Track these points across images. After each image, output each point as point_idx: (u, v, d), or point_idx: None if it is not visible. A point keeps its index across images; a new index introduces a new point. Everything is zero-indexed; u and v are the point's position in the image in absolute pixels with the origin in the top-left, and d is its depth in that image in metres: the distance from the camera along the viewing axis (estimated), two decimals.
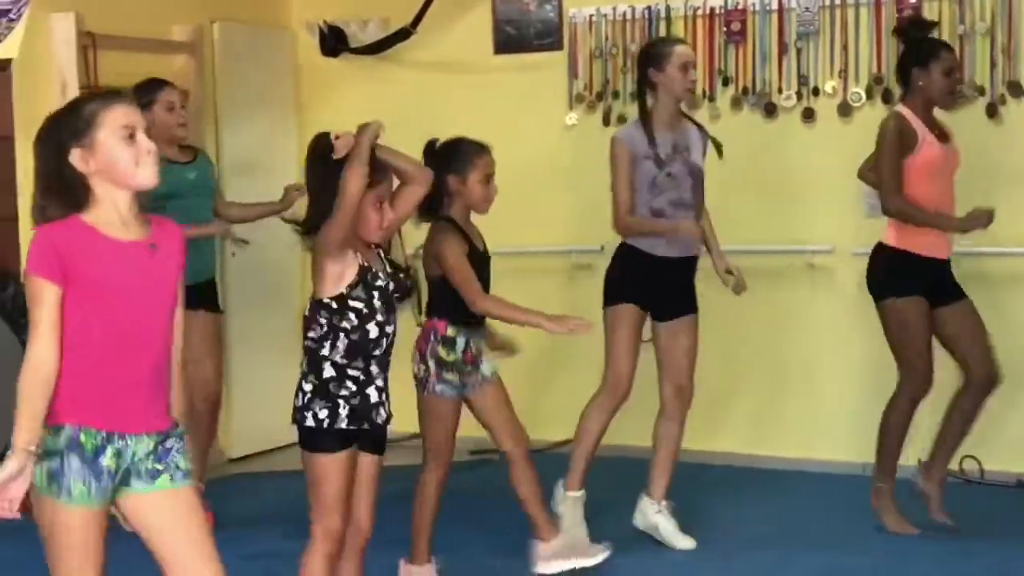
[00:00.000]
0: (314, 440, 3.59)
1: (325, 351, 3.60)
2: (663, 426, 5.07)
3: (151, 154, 2.89)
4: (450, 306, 4.33)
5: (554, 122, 6.56)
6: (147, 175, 2.89)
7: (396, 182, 3.77)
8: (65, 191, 2.86)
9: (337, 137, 3.61)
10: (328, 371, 3.59)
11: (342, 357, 3.59)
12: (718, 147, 5.02)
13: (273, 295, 6.70)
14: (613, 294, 4.95)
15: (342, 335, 3.59)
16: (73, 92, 5.64)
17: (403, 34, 6.71)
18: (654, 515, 5.03)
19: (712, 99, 6.28)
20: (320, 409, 3.57)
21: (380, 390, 3.65)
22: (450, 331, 4.34)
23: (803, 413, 6.24)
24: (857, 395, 6.03)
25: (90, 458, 2.84)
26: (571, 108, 6.54)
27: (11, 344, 5.58)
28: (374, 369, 3.63)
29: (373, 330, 3.61)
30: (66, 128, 2.86)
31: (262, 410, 6.43)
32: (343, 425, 3.57)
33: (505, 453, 4.52)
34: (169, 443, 2.96)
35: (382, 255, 3.72)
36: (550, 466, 4.98)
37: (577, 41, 6.52)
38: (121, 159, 2.86)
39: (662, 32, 6.32)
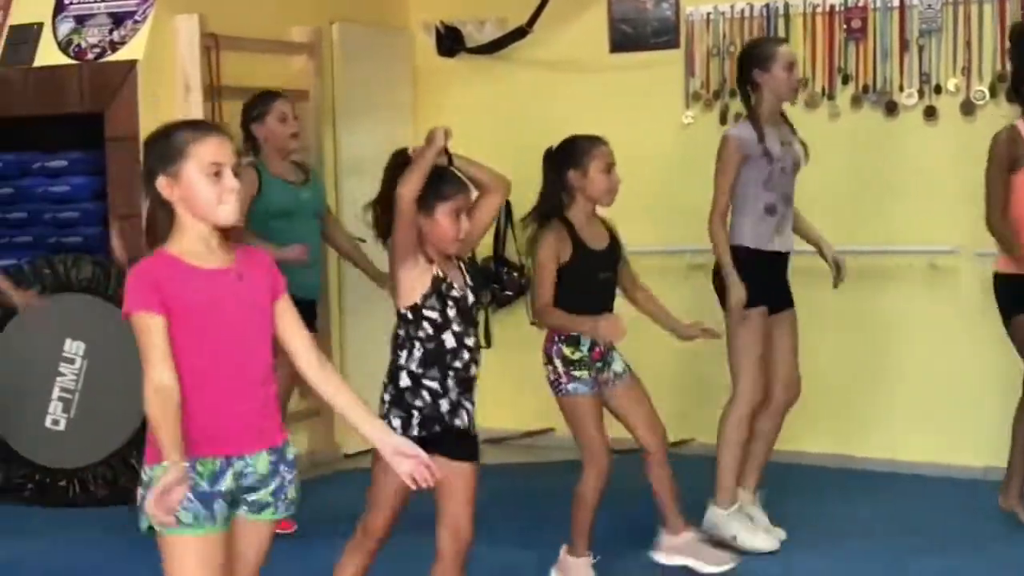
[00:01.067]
0: None
1: (402, 360, 3.65)
2: (766, 420, 5.01)
3: (234, 193, 2.87)
4: (567, 301, 4.33)
5: (670, 121, 6.52)
6: (227, 213, 2.88)
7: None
8: (155, 215, 2.88)
9: (415, 150, 3.67)
10: (404, 380, 3.64)
11: (418, 366, 3.63)
12: (805, 149, 4.99)
13: (385, 298, 6.75)
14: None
15: (417, 344, 3.64)
16: (196, 93, 5.76)
17: (519, 33, 6.73)
18: (749, 506, 4.98)
19: (831, 97, 6.20)
20: (395, 418, 3.62)
21: (453, 404, 3.66)
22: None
23: (921, 415, 6.13)
24: (977, 398, 5.91)
25: (208, 485, 2.86)
26: (687, 107, 6.51)
27: (134, 341, 5.70)
28: (450, 383, 3.65)
29: (449, 340, 3.64)
30: (156, 153, 2.88)
31: (375, 406, 6.47)
32: (414, 433, 3.59)
33: (643, 448, 4.51)
34: (284, 470, 2.97)
35: (463, 267, 3.74)
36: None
37: (694, 39, 6.49)
38: (203, 195, 2.85)
39: (780, 30, 6.26)
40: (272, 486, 2.94)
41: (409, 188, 3.54)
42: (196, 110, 5.72)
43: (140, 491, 2.88)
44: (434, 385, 3.64)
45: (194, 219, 2.87)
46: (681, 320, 4.69)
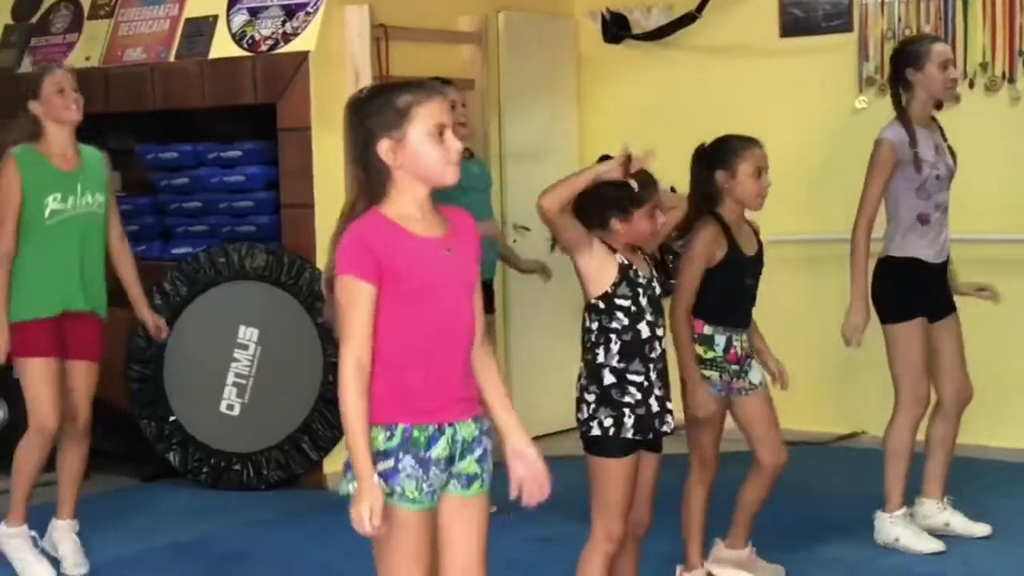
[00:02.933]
0: (599, 447, 3.59)
1: (601, 358, 3.59)
2: (941, 426, 4.87)
3: (459, 153, 2.83)
4: (707, 304, 4.18)
5: (842, 106, 6.38)
6: (453, 173, 2.84)
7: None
8: (369, 180, 2.81)
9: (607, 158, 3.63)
10: (608, 378, 3.58)
11: (618, 361, 3.58)
12: (954, 157, 4.80)
13: (553, 282, 6.75)
14: (896, 311, 4.72)
15: (613, 336, 3.58)
16: (366, 83, 5.82)
17: (687, 19, 6.65)
18: (940, 514, 4.86)
19: (1012, 80, 6.00)
20: (606, 418, 3.56)
21: (660, 400, 3.61)
22: (707, 329, 4.18)
23: None
24: None
25: (423, 455, 2.81)
26: (861, 91, 6.36)
27: (307, 328, 5.81)
28: (653, 375, 3.60)
29: (644, 330, 3.58)
30: (377, 116, 2.78)
31: (541, 396, 6.49)
32: (628, 435, 3.57)
33: (757, 460, 4.34)
34: (486, 442, 2.93)
35: (646, 257, 3.70)
36: (831, 460, 4.86)
37: (868, 22, 6.33)
38: (430, 156, 2.79)
39: (958, 13, 6.08)
40: (477, 453, 2.89)
41: (549, 201, 3.50)
42: None
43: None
44: (639, 379, 3.58)
45: (414, 182, 2.81)
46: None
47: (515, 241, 6.55)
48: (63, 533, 4.72)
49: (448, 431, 2.84)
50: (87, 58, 6.43)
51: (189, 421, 5.94)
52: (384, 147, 2.78)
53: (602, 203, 3.60)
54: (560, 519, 5.01)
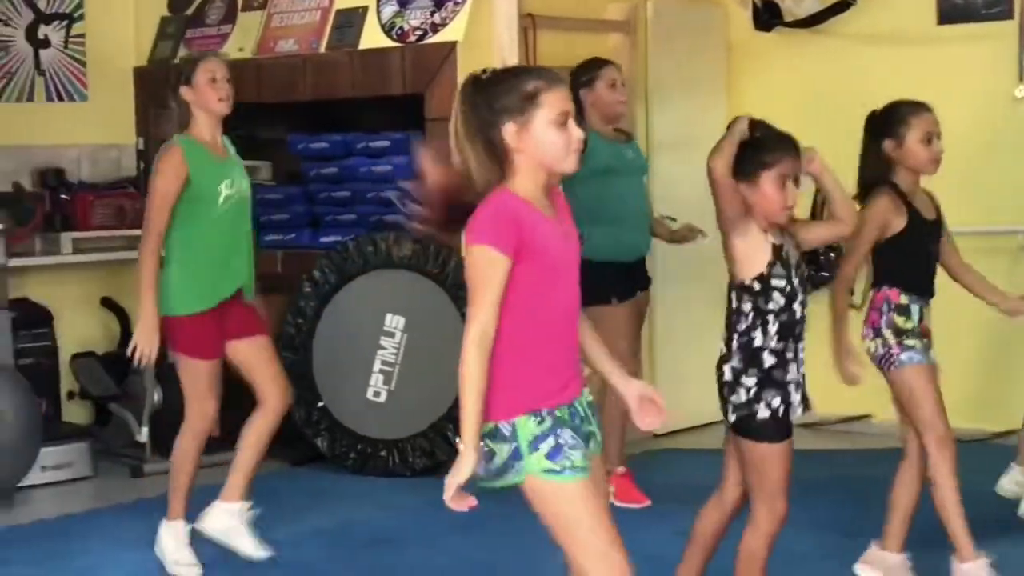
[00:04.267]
0: (763, 430, 3.52)
1: (759, 340, 3.52)
2: None
3: (581, 142, 2.84)
4: (901, 272, 4.08)
5: (1001, 95, 6.20)
6: (573, 162, 2.84)
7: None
8: (489, 160, 2.81)
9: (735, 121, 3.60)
10: (768, 359, 3.52)
11: (777, 341, 3.52)
12: None
13: (697, 270, 6.67)
14: None
15: (771, 318, 3.52)
16: None
17: (842, 6, 6.52)
18: None
19: None
20: (772, 399, 3.50)
21: (801, 381, 3.58)
22: (903, 298, 4.07)
23: None
24: None
25: (572, 431, 2.83)
26: (1021, 80, 6.17)
27: (452, 317, 5.84)
28: (800, 354, 3.57)
29: (798, 310, 3.54)
30: (503, 100, 2.80)
31: (687, 386, 6.42)
32: (799, 412, 3.53)
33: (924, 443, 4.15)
34: (594, 409, 2.97)
35: (794, 239, 3.63)
36: (991, 457, 4.72)
37: None
38: (553, 143, 2.81)
39: None
40: (596, 421, 2.94)
41: (718, 161, 3.49)
42: None
43: (496, 444, 2.81)
44: (790, 356, 3.54)
45: (534, 167, 2.82)
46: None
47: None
48: (231, 516, 4.70)
49: (577, 406, 2.89)
50: (240, 49, 6.55)
51: (337, 407, 6.01)
52: (510, 130, 2.79)
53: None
54: None
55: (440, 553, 4.87)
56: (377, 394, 5.99)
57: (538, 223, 2.81)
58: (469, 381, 2.75)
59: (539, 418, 2.79)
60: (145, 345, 4.52)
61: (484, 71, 2.89)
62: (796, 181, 3.54)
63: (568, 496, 2.81)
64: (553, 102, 2.80)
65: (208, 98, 4.59)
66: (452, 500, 2.78)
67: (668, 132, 6.67)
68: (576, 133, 2.83)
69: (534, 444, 2.79)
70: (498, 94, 2.80)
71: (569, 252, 2.89)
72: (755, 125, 3.58)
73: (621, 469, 5.39)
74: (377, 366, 5.99)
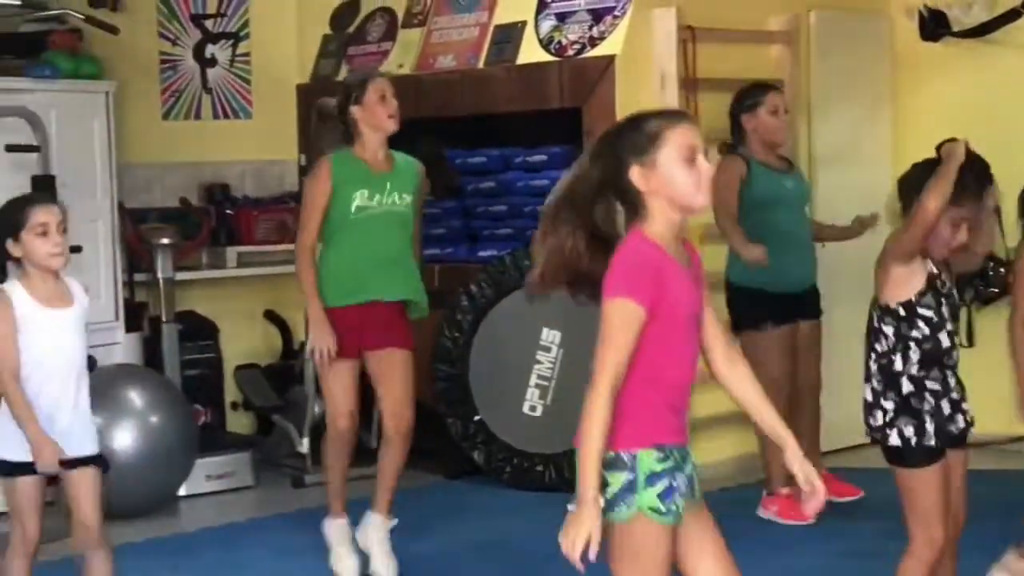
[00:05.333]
0: (902, 457, 3.49)
1: (898, 365, 3.49)
2: None
3: (709, 177, 2.80)
4: None
5: None
6: (704, 199, 2.80)
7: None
8: (622, 203, 2.82)
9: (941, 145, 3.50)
10: (907, 386, 3.48)
11: (918, 370, 3.47)
12: None
13: (859, 289, 6.52)
14: None
15: (913, 345, 3.47)
16: (672, 86, 5.79)
17: (1012, 15, 6.32)
18: None
19: None
20: (905, 426, 3.47)
21: (954, 403, 3.51)
22: None
23: None
24: None
25: (678, 473, 2.81)
26: None
27: None
28: (951, 381, 3.51)
29: (945, 339, 3.47)
30: (628, 143, 2.79)
31: (854, 405, 6.27)
32: (931, 443, 3.46)
33: None
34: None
35: (948, 263, 3.56)
36: None
37: None
38: (681, 181, 2.77)
39: None
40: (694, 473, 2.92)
41: (934, 202, 3.38)
42: (672, 103, 5.73)
43: (615, 475, 2.79)
44: (936, 387, 3.48)
45: (666, 208, 2.79)
46: None
47: (823, 246, 6.37)
48: (373, 531, 4.77)
49: (685, 452, 2.86)
50: (400, 66, 6.63)
51: (493, 421, 6.02)
52: (636, 173, 2.79)
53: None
54: (872, 533, 4.84)
55: (596, 571, 4.82)
56: (533, 408, 5.99)
57: (672, 273, 2.79)
58: (593, 435, 2.71)
59: (663, 454, 2.78)
60: (321, 343, 4.59)
61: (616, 123, 2.91)
62: (971, 229, 3.48)
63: (655, 538, 2.78)
64: (678, 139, 2.78)
65: (378, 116, 4.67)
66: (573, 554, 2.72)
67: (830, 145, 6.54)
68: (706, 168, 2.79)
69: (651, 480, 2.76)
70: (622, 138, 2.82)
71: (696, 302, 2.86)
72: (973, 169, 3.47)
73: (784, 490, 5.31)
74: (533, 380, 5.99)
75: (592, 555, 2.69)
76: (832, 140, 6.55)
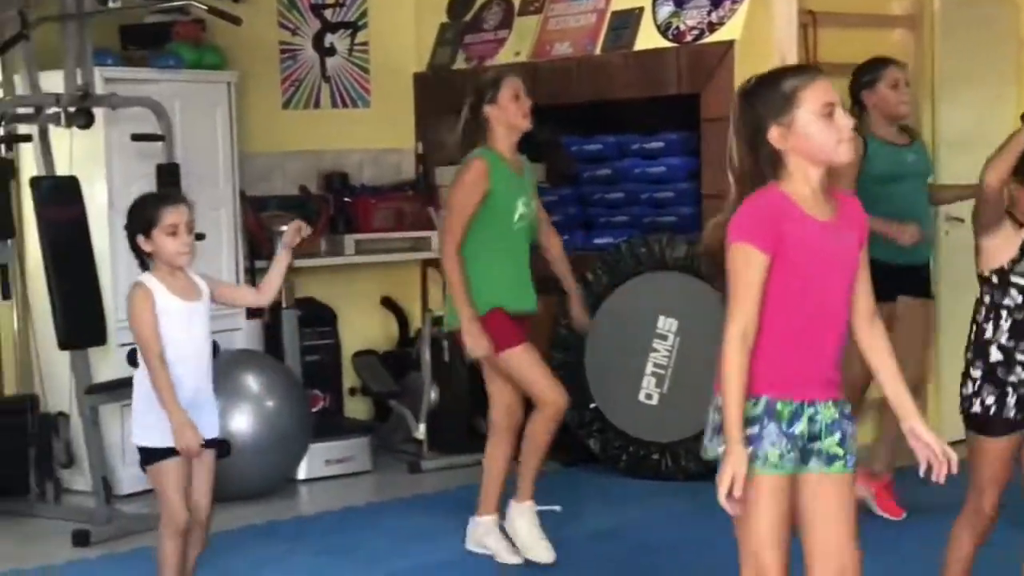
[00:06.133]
0: (979, 425, 3.51)
1: (989, 333, 3.49)
2: None
3: (850, 130, 2.85)
4: None
5: None
6: (845, 151, 2.85)
7: None
8: (761, 165, 2.85)
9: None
10: (995, 355, 3.49)
11: (1008, 339, 3.46)
12: None
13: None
14: None
15: (1004, 313, 3.47)
16: None
17: None
18: None
19: None
20: (988, 395, 3.47)
21: None
22: None
23: None
24: None
25: (785, 428, 2.86)
26: None
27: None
28: None
29: None
30: (765, 104, 2.85)
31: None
32: (1010, 415, 3.46)
33: None
34: (846, 425, 2.95)
35: None
36: None
37: None
38: (820, 137, 2.82)
39: None
40: (837, 435, 2.92)
41: (995, 176, 3.44)
42: None
43: (715, 414, 2.90)
44: (1022, 357, 3.46)
45: (806, 164, 2.84)
46: None
47: (947, 233, 6.26)
48: (521, 520, 4.79)
49: (808, 410, 2.88)
50: (516, 53, 6.63)
51: (609, 409, 6.01)
52: (775, 133, 2.83)
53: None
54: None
55: (711, 559, 4.79)
56: (649, 396, 5.96)
57: (802, 224, 2.83)
58: (732, 379, 2.81)
59: (753, 401, 2.83)
60: (475, 347, 4.63)
61: (750, 79, 2.95)
62: None
63: (753, 488, 2.83)
64: (813, 96, 2.84)
65: (513, 115, 4.69)
66: (727, 499, 2.81)
67: (955, 129, 6.41)
68: (844, 122, 2.85)
69: (746, 424, 2.83)
70: (760, 99, 2.86)
71: (840, 257, 2.88)
72: None
73: (887, 478, 5.20)
74: (649, 368, 5.96)
75: (736, 493, 2.77)
76: (957, 123, 6.42)
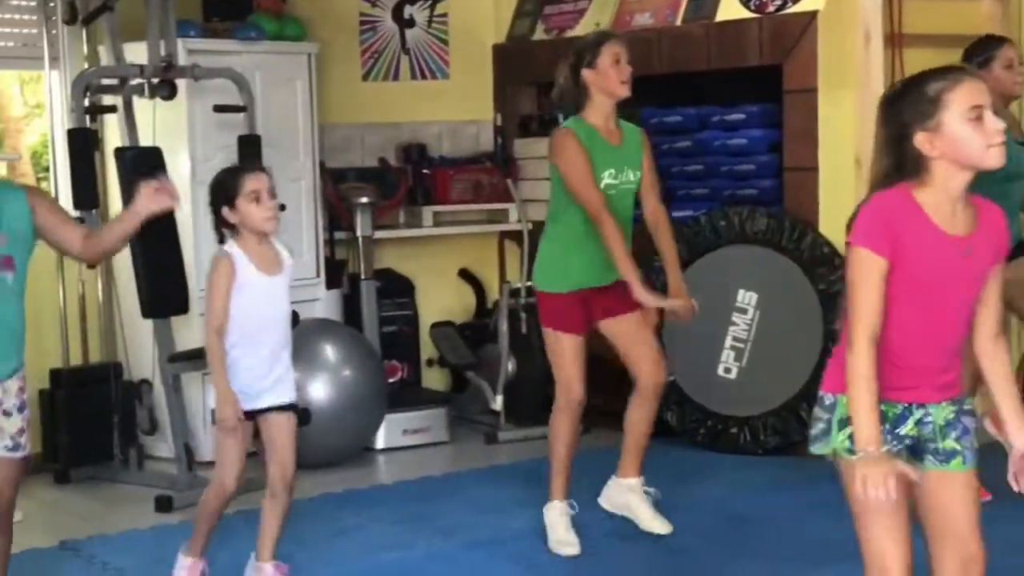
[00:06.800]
0: None
1: None
2: None
3: (1001, 133, 2.76)
4: None
5: None
6: (996, 156, 2.76)
7: None
8: (903, 167, 2.79)
9: None
10: None
11: None
12: None
13: None
14: None
15: None
16: (876, 43, 5.61)
17: None
18: None
19: None
20: None
21: None
22: None
23: None
24: None
25: (890, 427, 2.84)
26: None
27: (808, 294, 5.71)
28: None
29: None
30: (910, 109, 2.78)
31: None
32: None
33: None
34: (966, 421, 2.92)
35: None
36: None
37: None
38: (968, 142, 2.74)
39: None
40: (954, 433, 2.89)
41: None
42: (876, 60, 5.58)
43: (819, 413, 2.89)
44: None
45: (954, 170, 2.77)
46: None
47: None
48: (632, 494, 4.75)
49: (918, 412, 2.87)
50: (596, 24, 6.57)
51: (687, 382, 5.98)
52: (921, 139, 2.76)
53: None
54: None
55: (789, 534, 4.77)
56: (728, 370, 5.93)
57: (924, 231, 2.77)
58: (862, 387, 2.77)
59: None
60: (654, 301, 4.52)
61: (895, 84, 2.91)
62: None
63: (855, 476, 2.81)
64: (960, 98, 2.75)
65: (611, 80, 4.49)
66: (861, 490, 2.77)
67: None
68: (993, 125, 2.75)
69: (842, 424, 2.83)
70: (905, 105, 2.79)
71: (965, 272, 2.81)
72: None
73: None
74: (728, 342, 5.92)
75: (877, 494, 2.72)
76: None
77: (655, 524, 4.69)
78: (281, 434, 4.04)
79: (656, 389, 4.68)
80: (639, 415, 4.70)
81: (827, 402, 2.88)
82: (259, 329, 3.97)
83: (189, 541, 4.18)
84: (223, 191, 3.99)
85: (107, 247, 3.72)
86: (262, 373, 3.98)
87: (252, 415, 3.99)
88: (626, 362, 4.69)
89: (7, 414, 3.50)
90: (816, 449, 2.91)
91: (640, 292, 4.44)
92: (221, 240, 4.03)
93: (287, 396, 4.05)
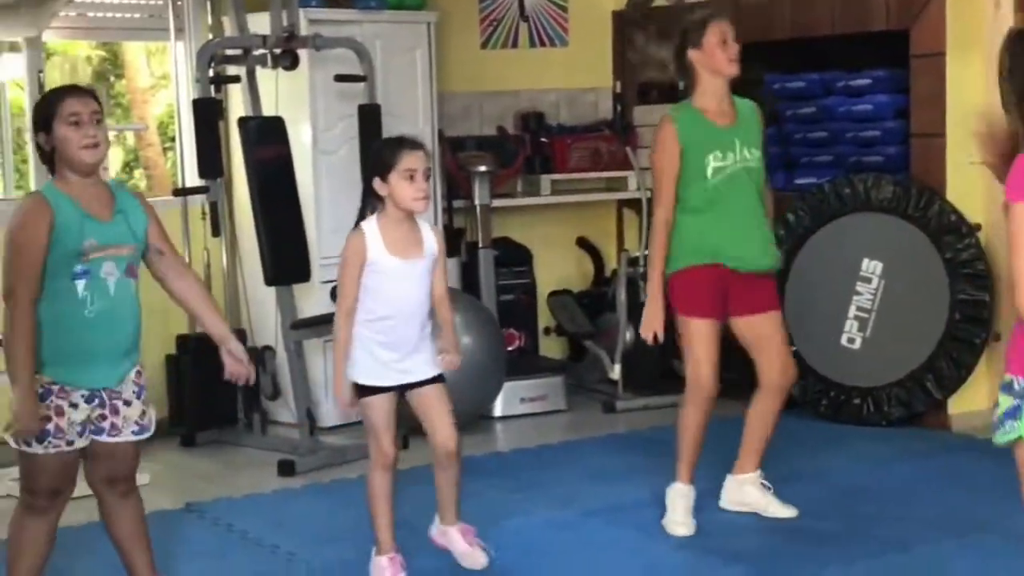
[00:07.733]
0: None
1: None
2: None
3: None
4: None
5: None
6: None
7: None
8: None
9: None
10: None
11: None
12: None
13: None
14: None
15: None
16: (1008, 6, 5.47)
17: None
18: None
19: None
20: None
21: None
22: None
23: None
24: None
25: None
26: None
27: (934, 263, 5.59)
28: None
29: None
30: None
31: None
32: None
33: None
34: None
35: None
36: None
37: None
38: None
39: None
40: None
41: None
42: (1006, 24, 5.42)
43: (1009, 400, 2.75)
44: None
45: None
46: None
47: None
48: (750, 487, 4.69)
49: None
50: None
51: (809, 352, 5.89)
52: None
53: None
54: None
55: (914, 505, 4.69)
56: (851, 340, 5.83)
57: None
58: None
59: (1009, 380, 2.70)
60: (653, 327, 4.45)
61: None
62: None
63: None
64: None
65: (718, 61, 4.42)
66: None
67: None
68: None
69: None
70: None
71: None
72: None
73: None
74: (852, 312, 5.83)
75: None
76: None
77: (780, 511, 4.62)
78: (432, 408, 4.00)
79: (784, 390, 4.61)
80: (763, 412, 4.63)
81: (1016, 386, 2.71)
82: (394, 311, 3.90)
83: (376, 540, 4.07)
84: (379, 161, 3.89)
85: (178, 296, 3.66)
86: (399, 355, 3.93)
87: (398, 389, 3.96)
88: (755, 358, 4.61)
89: (127, 403, 3.51)
90: (1000, 435, 2.75)
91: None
92: (363, 210, 3.95)
93: (430, 371, 4.00)
